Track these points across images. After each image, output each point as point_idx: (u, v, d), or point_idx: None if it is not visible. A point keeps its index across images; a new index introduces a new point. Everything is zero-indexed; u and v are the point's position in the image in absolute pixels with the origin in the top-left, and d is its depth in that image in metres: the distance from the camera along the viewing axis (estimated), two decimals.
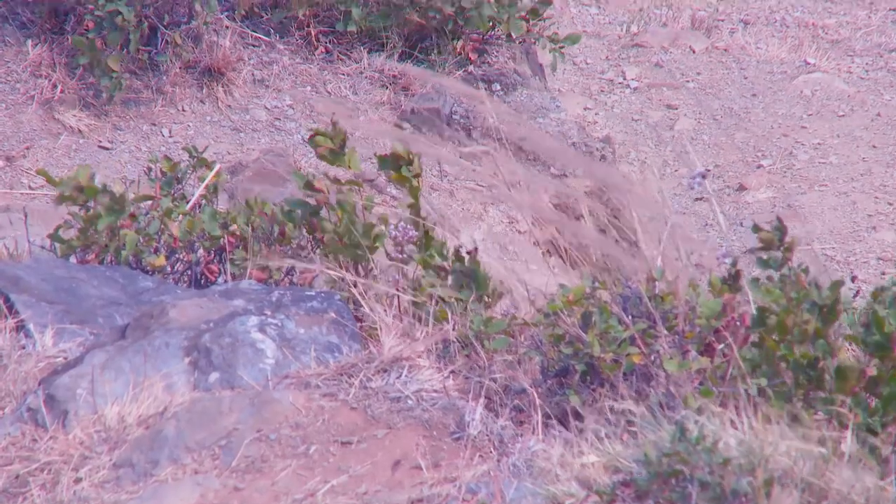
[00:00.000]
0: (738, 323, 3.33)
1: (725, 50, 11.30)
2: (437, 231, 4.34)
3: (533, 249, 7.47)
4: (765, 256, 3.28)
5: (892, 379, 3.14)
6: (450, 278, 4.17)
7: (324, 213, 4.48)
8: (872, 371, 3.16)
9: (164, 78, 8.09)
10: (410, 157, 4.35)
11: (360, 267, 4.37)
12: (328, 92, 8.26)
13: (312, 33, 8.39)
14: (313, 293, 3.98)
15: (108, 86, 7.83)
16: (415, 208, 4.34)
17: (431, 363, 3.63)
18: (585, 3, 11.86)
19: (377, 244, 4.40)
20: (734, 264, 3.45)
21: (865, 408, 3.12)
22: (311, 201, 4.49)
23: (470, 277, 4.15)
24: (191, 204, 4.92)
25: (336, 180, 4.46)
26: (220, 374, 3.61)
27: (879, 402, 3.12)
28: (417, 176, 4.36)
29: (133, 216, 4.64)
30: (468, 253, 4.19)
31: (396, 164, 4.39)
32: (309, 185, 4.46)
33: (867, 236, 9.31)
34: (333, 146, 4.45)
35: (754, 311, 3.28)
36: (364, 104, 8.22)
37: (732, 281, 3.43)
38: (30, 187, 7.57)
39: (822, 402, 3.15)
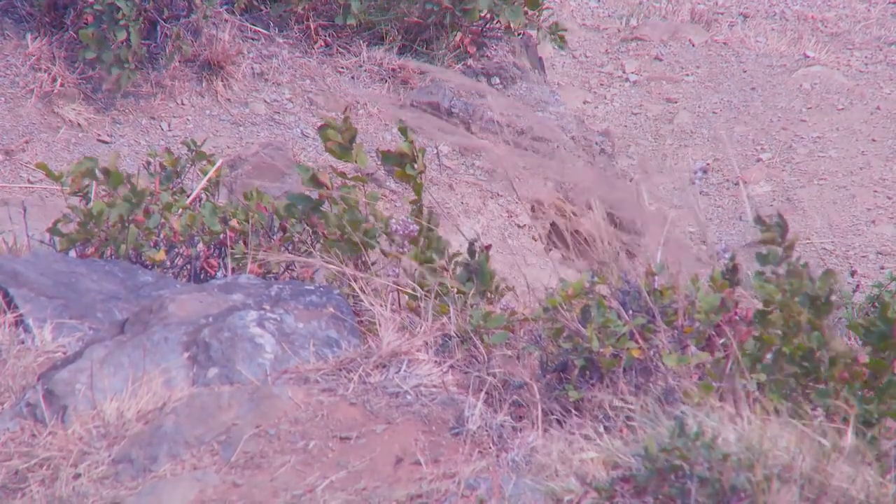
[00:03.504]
0: (738, 318, 3.32)
1: (725, 43, 11.29)
2: (440, 226, 4.31)
3: (532, 243, 7.46)
4: (764, 251, 3.27)
5: (887, 367, 3.13)
6: (449, 273, 4.14)
7: (325, 207, 4.45)
8: (864, 358, 3.15)
9: (164, 72, 8.08)
10: (415, 154, 4.31)
11: (359, 262, 4.35)
12: (327, 86, 8.25)
13: (312, 27, 8.38)
14: (312, 288, 3.97)
15: (120, 75, 7.80)
16: (418, 204, 4.31)
17: (430, 358, 3.62)
18: None
19: (378, 240, 4.38)
20: (732, 258, 3.44)
21: (860, 398, 3.11)
22: (314, 196, 4.44)
23: (476, 272, 4.13)
24: (191, 198, 4.91)
25: (341, 174, 4.43)
26: (219, 369, 3.61)
27: (875, 392, 3.11)
28: (421, 173, 4.32)
29: (147, 212, 4.62)
30: (482, 249, 4.15)
31: (400, 162, 4.34)
32: (314, 179, 4.42)
33: (866, 230, 9.30)
34: (343, 140, 4.41)
35: (759, 306, 3.26)
36: (363, 98, 8.21)
37: (730, 275, 3.42)
38: (29, 181, 7.56)
39: (818, 395, 3.15)
